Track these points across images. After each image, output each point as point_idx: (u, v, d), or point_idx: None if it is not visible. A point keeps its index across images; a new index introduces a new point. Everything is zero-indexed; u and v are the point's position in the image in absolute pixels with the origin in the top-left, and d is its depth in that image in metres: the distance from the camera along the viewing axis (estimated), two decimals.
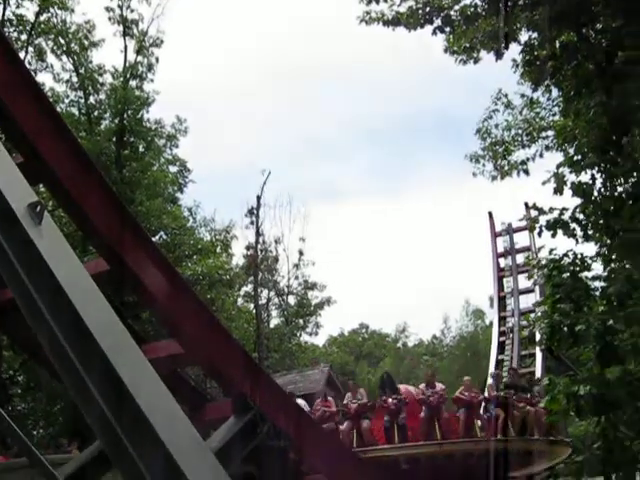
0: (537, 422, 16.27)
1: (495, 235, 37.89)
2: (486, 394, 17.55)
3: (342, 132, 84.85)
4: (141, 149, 29.52)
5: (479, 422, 16.91)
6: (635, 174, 10.52)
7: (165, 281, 7.50)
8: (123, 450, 3.16)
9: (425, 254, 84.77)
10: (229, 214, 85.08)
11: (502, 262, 37.78)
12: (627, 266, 10.38)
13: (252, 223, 40.48)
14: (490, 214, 38.14)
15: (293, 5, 71.36)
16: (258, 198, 39.18)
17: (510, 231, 37.17)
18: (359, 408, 16.60)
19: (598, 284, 10.38)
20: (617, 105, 10.37)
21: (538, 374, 28.63)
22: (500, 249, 37.84)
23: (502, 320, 35.66)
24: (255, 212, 39.64)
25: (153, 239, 24.43)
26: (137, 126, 28.96)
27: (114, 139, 28.55)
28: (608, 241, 10.72)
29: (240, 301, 39.83)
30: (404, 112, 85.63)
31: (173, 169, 31.27)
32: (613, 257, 10.80)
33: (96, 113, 29.43)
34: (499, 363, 33.50)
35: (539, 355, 29.49)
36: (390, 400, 16.64)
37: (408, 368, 56.34)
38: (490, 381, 18.60)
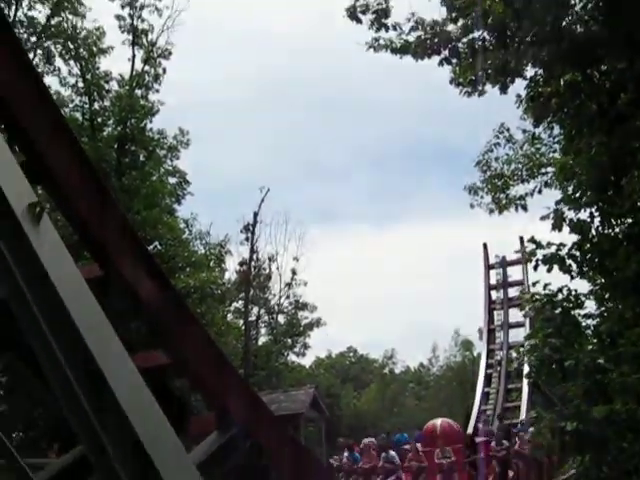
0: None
1: (488, 267, 37.96)
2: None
3: (342, 156, 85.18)
4: (142, 158, 29.49)
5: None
6: (632, 215, 10.57)
7: (158, 291, 7.47)
8: (105, 457, 3.12)
9: (419, 282, 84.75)
10: (225, 229, 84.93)
11: (494, 295, 37.84)
12: (619, 306, 10.41)
13: (247, 239, 40.57)
14: (485, 246, 38.23)
15: (299, 22, 71.95)
16: (255, 215, 39.32)
17: (503, 264, 37.24)
18: (450, 464, 19.14)
19: (589, 322, 10.41)
20: (618, 146, 10.45)
21: (524, 408, 28.58)
22: (492, 281, 37.91)
23: (490, 352, 35.64)
24: (251, 229, 39.74)
25: (148, 249, 24.41)
26: (139, 135, 28.96)
27: (115, 146, 28.56)
28: (602, 280, 10.75)
29: (230, 317, 39.69)
30: (406, 139, 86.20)
31: (172, 180, 31.28)
32: (606, 296, 10.82)
33: (99, 120, 29.44)
34: (485, 395, 33.44)
35: (525, 389, 29.44)
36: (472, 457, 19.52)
37: (394, 394, 56.16)
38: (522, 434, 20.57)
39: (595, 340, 9.79)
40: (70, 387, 3.34)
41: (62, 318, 3.48)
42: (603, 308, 10.66)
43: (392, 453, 19.98)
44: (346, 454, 20.94)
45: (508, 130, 17.83)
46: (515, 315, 33.35)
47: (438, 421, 22.22)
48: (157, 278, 7.64)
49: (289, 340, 46.01)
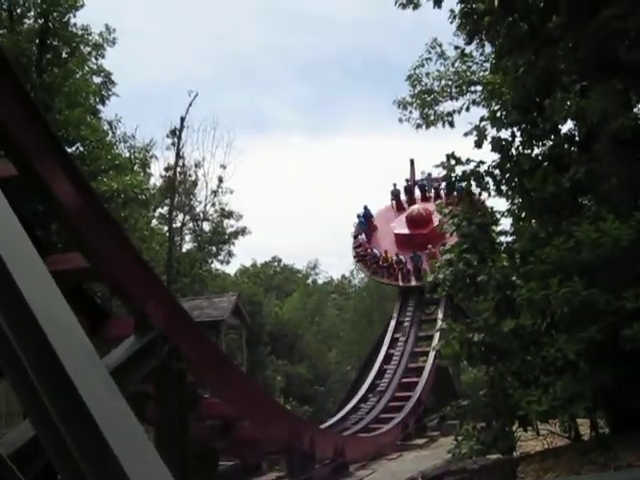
0: None
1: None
2: None
3: (275, 66, 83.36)
4: (64, 55, 28.16)
5: None
6: (552, 137, 10.80)
7: (76, 193, 7.32)
8: (14, 359, 3.10)
9: (348, 195, 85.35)
10: (151, 133, 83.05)
11: None
12: (534, 225, 10.74)
13: (173, 144, 39.79)
14: (412, 162, 38.46)
15: None
16: (182, 119, 38.45)
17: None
18: None
19: (504, 239, 10.72)
20: (544, 67, 10.55)
21: (439, 322, 29.58)
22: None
23: None
24: (178, 133, 38.92)
25: (70, 150, 23.66)
26: (62, 30, 27.54)
27: (37, 41, 27.16)
28: (519, 199, 11.03)
29: (154, 222, 39.20)
30: (343, 52, 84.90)
31: (97, 80, 30.08)
32: (522, 215, 11.13)
33: (19, 10, 27.83)
34: (402, 307, 34.29)
35: (442, 303, 30.35)
36: None
37: (316, 304, 57.20)
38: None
39: (508, 257, 10.12)
40: None
41: None
42: (518, 226, 10.97)
43: None
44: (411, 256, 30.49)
45: (440, 46, 17.82)
46: None
47: (420, 207, 32.69)
48: (76, 180, 7.49)
49: (214, 248, 45.96)
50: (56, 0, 26.94)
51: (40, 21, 27.34)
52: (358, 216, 34.86)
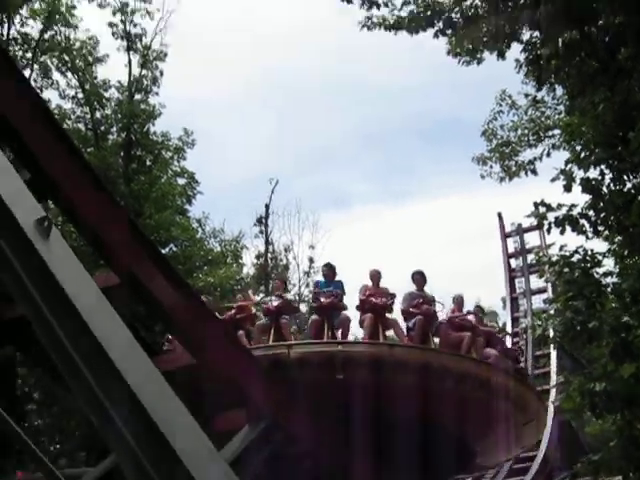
0: None
1: (505, 236, 37.75)
2: None
3: (344, 138, 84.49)
4: (148, 162, 29.54)
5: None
6: None
7: (175, 292, 7.51)
8: (140, 465, 3.14)
9: (435, 257, 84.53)
10: (238, 224, 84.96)
11: (513, 263, 37.65)
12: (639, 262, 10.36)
13: (261, 232, 40.60)
14: (499, 215, 37.98)
15: (291, 11, 71.26)
16: (267, 207, 39.29)
17: (520, 231, 37.00)
18: None
19: (609, 280, 10.34)
20: (621, 101, 10.35)
21: (553, 375, 28.52)
22: (510, 250, 37.71)
23: (515, 321, 35.49)
24: (264, 221, 39.75)
25: (163, 251, 24.50)
26: (144, 139, 28.99)
27: (121, 153, 28.64)
28: (619, 237, 10.69)
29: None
30: (405, 114, 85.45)
31: (181, 181, 31.31)
32: (625, 253, 10.76)
33: (103, 128, 29.48)
34: None
35: (553, 354, 29.37)
36: None
37: None
38: None
39: (617, 298, 9.74)
40: (95, 399, 3.36)
41: (78, 328, 3.50)
42: (623, 265, 10.60)
43: None
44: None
45: (510, 97, 17.83)
46: (537, 281, 33.18)
47: None
48: (173, 280, 7.69)
49: None
50: (135, 113, 28.47)
51: (122, 134, 28.87)
52: None
